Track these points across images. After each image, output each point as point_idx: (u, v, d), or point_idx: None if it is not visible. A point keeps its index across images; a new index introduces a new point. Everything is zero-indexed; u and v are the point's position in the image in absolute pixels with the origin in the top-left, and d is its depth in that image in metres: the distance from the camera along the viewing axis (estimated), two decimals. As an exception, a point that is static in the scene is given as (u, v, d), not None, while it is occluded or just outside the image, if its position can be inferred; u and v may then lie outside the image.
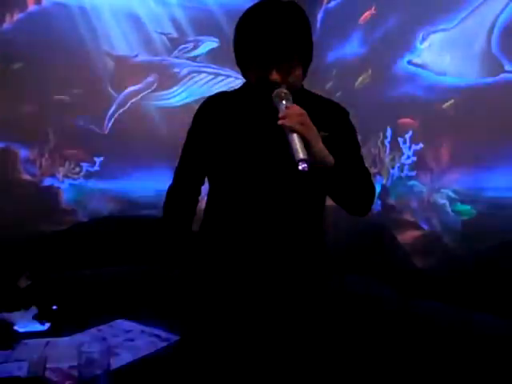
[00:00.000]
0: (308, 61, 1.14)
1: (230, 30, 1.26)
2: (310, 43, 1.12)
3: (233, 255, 1.23)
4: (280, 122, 0.99)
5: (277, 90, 1.05)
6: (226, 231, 1.25)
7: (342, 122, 1.17)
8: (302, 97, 1.11)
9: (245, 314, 1.21)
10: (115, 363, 1.10)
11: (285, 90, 1.05)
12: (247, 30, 1.10)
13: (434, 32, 1.93)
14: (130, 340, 1.33)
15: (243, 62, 1.14)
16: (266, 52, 1.05)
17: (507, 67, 1.61)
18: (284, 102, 1.03)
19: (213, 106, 1.23)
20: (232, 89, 1.27)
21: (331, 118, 1.11)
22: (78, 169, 2.45)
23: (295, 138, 0.98)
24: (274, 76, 1.06)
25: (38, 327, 1.50)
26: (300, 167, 0.95)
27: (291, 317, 1.20)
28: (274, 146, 1.13)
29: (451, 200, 1.82)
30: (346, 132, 1.16)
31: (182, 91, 2.63)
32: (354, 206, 1.16)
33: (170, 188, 1.34)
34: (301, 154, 0.96)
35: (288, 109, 1.01)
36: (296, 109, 1.01)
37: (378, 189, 2.26)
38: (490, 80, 1.68)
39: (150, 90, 2.59)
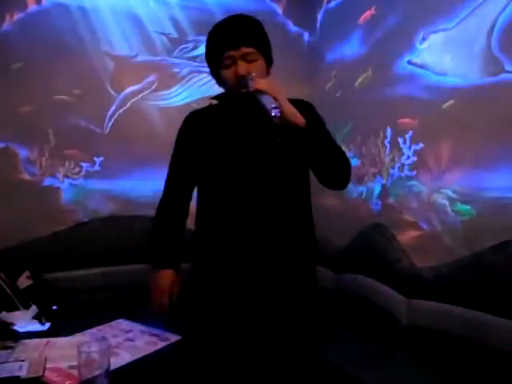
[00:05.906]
0: (269, 57, 1.31)
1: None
2: (267, 41, 1.31)
3: (226, 251, 1.31)
4: (252, 89, 1.16)
5: (246, 77, 1.21)
6: (219, 229, 1.32)
7: (311, 113, 1.31)
8: None
9: (238, 309, 1.29)
10: (115, 363, 1.10)
11: (252, 75, 1.20)
12: (213, 33, 1.32)
13: (434, 32, 1.93)
14: (130, 340, 1.33)
15: (214, 62, 1.29)
16: (227, 37, 1.25)
17: (507, 67, 1.61)
18: (253, 79, 1.19)
19: (195, 119, 1.39)
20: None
21: (301, 111, 1.20)
22: (78, 169, 2.46)
23: (265, 96, 1.13)
24: (240, 69, 1.22)
25: (37, 327, 1.50)
26: (273, 113, 1.09)
27: (281, 311, 1.29)
28: (256, 143, 1.28)
29: (451, 200, 1.82)
30: (316, 120, 1.29)
31: (182, 91, 2.63)
32: (332, 176, 1.28)
33: (163, 200, 1.43)
34: (272, 104, 1.11)
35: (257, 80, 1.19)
36: (264, 79, 1.21)
37: (378, 189, 2.26)
38: (490, 80, 1.68)
39: (150, 90, 2.59)
